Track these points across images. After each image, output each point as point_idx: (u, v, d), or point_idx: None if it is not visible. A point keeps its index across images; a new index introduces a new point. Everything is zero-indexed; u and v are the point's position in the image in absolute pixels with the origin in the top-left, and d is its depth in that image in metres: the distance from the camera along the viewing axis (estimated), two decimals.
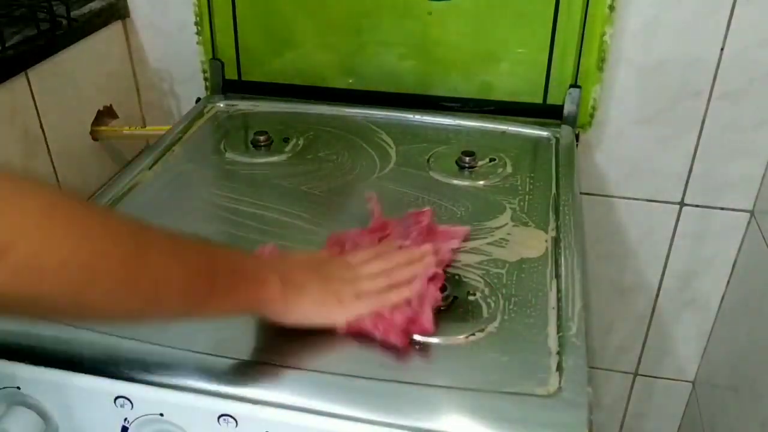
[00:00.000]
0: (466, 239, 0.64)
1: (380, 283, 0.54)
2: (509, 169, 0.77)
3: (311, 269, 0.53)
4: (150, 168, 0.77)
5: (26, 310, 0.39)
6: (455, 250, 0.62)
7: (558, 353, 0.51)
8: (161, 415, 0.50)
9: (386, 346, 0.51)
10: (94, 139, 0.93)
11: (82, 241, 0.37)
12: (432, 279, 0.55)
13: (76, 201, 0.41)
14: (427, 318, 0.52)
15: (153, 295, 0.41)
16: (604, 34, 0.85)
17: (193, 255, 0.45)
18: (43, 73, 0.82)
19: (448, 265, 0.60)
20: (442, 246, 0.60)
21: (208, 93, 0.97)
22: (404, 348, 0.51)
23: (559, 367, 0.50)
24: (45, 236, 0.35)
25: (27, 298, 0.35)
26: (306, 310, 0.51)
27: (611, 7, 0.84)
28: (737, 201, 0.96)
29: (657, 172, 0.96)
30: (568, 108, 0.88)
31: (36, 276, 0.35)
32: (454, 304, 0.56)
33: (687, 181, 0.96)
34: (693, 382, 1.13)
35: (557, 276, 0.60)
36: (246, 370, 0.50)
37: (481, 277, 0.59)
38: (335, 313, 0.52)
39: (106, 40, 0.95)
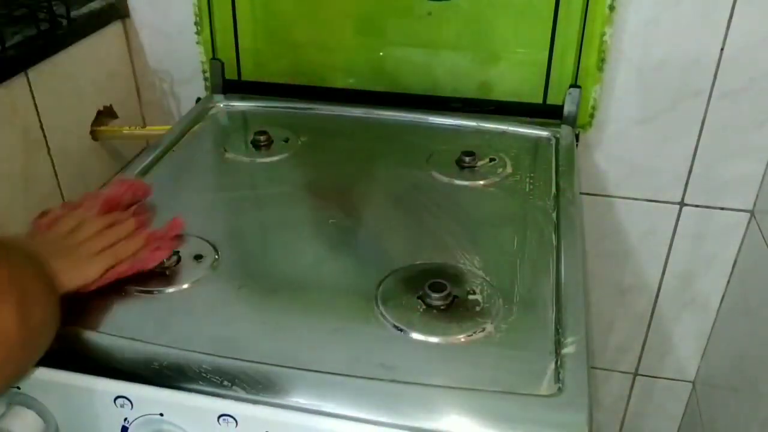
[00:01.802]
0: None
1: (104, 241, 0.60)
2: (509, 169, 0.77)
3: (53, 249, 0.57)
4: (150, 168, 0.77)
5: None
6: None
7: (558, 353, 0.51)
8: (161, 415, 0.50)
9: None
10: (94, 139, 0.93)
11: None
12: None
13: None
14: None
15: None
16: (604, 34, 0.85)
17: None
18: (43, 73, 0.82)
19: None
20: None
21: (208, 93, 0.97)
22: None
23: (560, 367, 0.50)
24: None
25: None
26: (72, 277, 0.55)
27: (611, 7, 0.84)
28: (737, 201, 0.96)
29: (657, 172, 0.96)
30: (568, 108, 0.88)
31: None
32: (454, 304, 0.56)
33: (687, 181, 0.96)
34: (693, 382, 1.13)
35: (557, 276, 0.60)
36: (246, 370, 0.50)
37: (481, 277, 0.59)
38: (86, 270, 0.56)
39: (106, 40, 0.95)
